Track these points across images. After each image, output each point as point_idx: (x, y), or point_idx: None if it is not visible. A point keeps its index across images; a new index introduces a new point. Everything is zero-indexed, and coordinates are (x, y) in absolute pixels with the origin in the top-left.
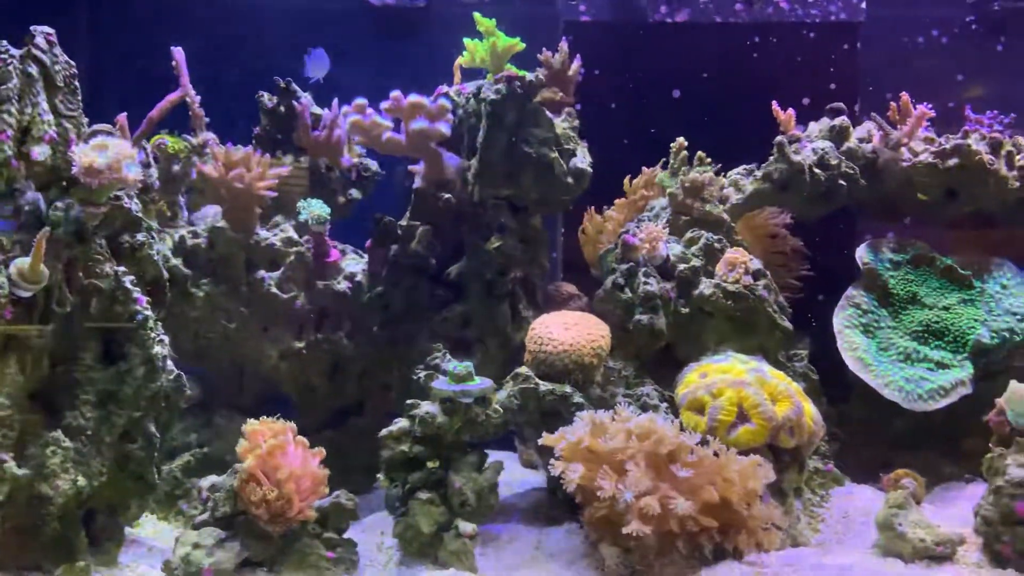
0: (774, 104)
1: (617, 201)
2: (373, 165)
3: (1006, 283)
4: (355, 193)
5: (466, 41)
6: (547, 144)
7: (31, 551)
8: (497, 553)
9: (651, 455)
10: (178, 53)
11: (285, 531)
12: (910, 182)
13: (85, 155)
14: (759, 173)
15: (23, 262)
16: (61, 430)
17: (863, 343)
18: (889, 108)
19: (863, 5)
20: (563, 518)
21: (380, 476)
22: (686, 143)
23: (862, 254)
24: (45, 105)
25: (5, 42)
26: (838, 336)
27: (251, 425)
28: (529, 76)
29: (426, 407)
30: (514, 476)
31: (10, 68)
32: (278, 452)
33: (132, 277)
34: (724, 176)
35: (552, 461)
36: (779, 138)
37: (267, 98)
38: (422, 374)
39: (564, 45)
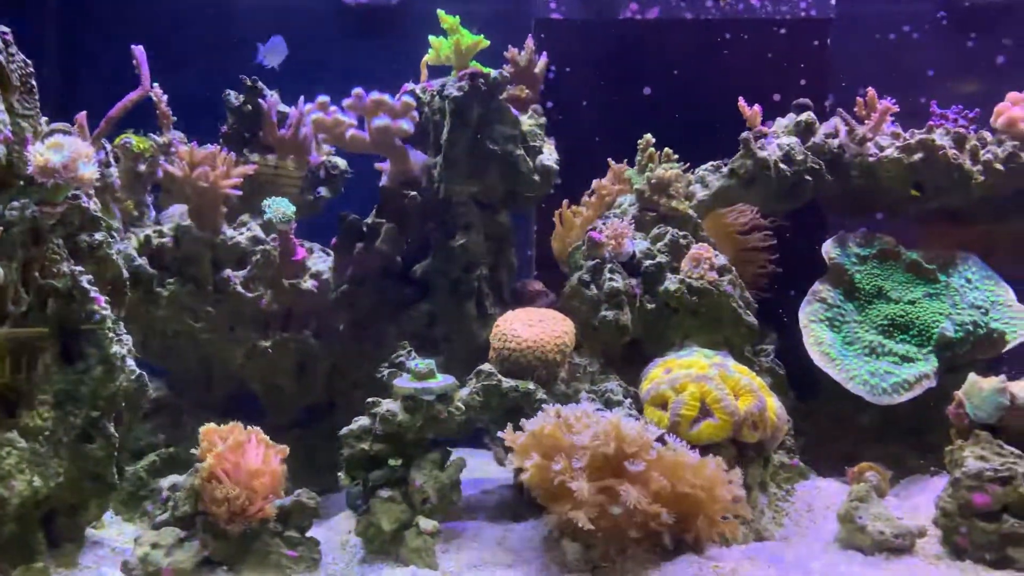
0: (740, 100)
1: (585, 199)
2: (342, 163)
3: (971, 277)
4: (323, 191)
5: (431, 39)
6: (513, 141)
7: None
8: (460, 550)
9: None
10: (138, 52)
11: (245, 530)
12: (876, 177)
13: (40, 154)
14: (726, 169)
15: None
16: (17, 431)
17: (828, 337)
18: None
19: (833, 1)
20: (529, 515)
21: (341, 475)
22: (653, 140)
23: (828, 249)
24: (1, 105)
25: None
26: (804, 331)
27: (208, 426)
28: (494, 73)
29: (387, 405)
30: (489, 473)
31: None
32: (238, 450)
33: (90, 277)
34: (693, 172)
35: (509, 456)
36: (745, 134)
37: (233, 96)
38: (386, 372)
39: (530, 42)
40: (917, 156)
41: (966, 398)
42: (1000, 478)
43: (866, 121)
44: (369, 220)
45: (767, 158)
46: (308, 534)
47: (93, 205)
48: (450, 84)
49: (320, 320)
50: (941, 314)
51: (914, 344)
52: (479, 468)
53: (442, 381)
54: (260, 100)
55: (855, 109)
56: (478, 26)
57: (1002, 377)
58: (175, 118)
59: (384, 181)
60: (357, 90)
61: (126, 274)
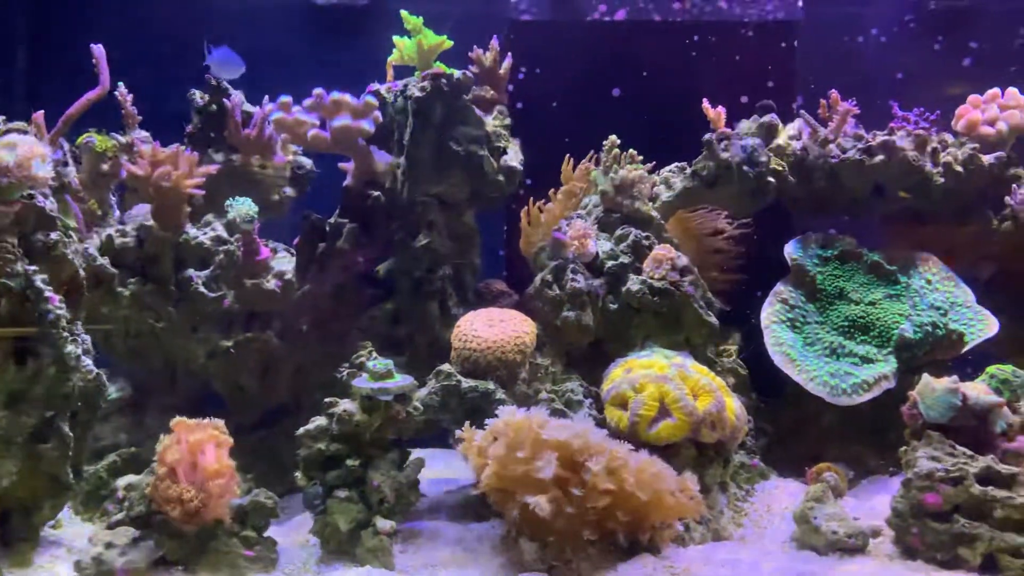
0: (704, 102)
1: (548, 205)
2: (308, 163)
3: (931, 278)
4: (289, 191)
5: (395, 39)
6: (477, 142)
7: None
8: (418, 550)
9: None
10: (98, 50)
11: (200, 529)
12: (839, 179)
13: None
14: (689, 171)
15: None
16: None
17: (789, 338)
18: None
19: (799, 3)
20: (489, 514)
21: (298, 474)
22: (619, 141)
23: (790, 250)
24: None
25: None
26: (765, 331)
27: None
28: (457, 74)
29: (344, 405)
30: (453, 473)
31: None
32: (195, 450)
33: (44, 276)
34: (658, 174)
35: (466, 461)
36: (708, 136)
37: (198, 96)
38: (345, 372)
39: (495, 43)
40: (878, 158)
41: (920, 398)
42: (951, 478)
43: (829, 123)
44: (332, 220)
45: (729, 160)
46: (268, 534)
47: (49, 204)
48: (412, 84)
49: (284, 320)
50: (901, 315)
51: (874, 345)
52: (444, 468)
53: (400, 381)
54: (225, 100)
55: (819, 111)
56: (449, 27)
57: (954, 378)
58: (140, 117)
59: (348, 181)
60: (318, 90)
61: (83, 273)
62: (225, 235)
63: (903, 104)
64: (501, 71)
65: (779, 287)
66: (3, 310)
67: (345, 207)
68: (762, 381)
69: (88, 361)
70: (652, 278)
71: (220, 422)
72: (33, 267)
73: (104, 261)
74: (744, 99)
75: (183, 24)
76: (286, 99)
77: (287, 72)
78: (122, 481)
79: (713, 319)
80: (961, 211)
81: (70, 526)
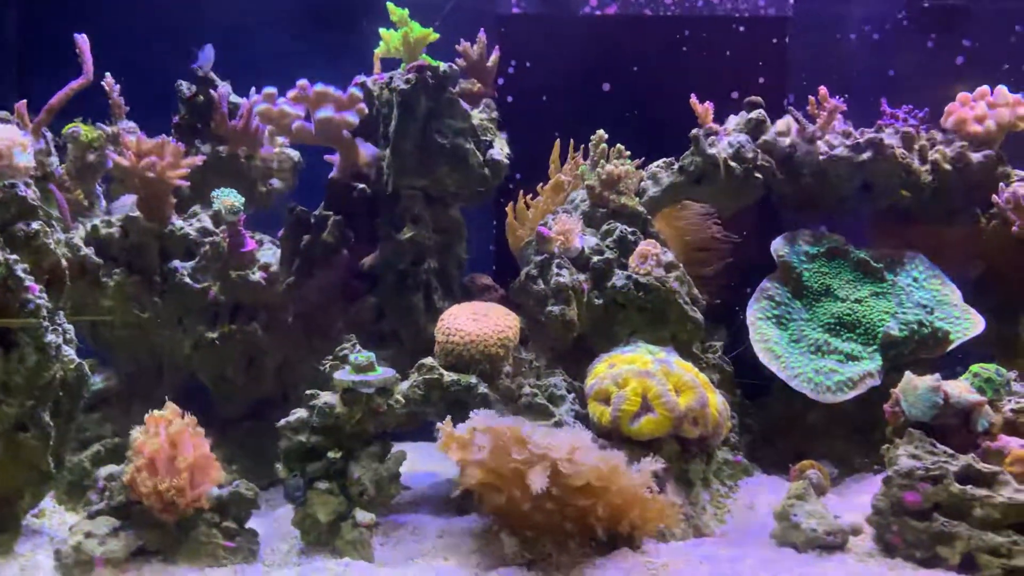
0: (692, 97)
1: (536, 200)
2: (295, 155)
3: (917, 276)
4: (276, 183)
5: (382, 31)
6: (462, 135)
7: None
8: (398, 543)
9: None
10: (82, 40)
11: (180, 520)
12: (827, 175)
13: None
14: (676, 166)
15: None
16: None
17: (775, 335)
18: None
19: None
20: (472, 508)
21: (279, 466)
22: (606, 136)
23: (777, 247)
24: None
25: None
26: (751, 328)
27: (153, 413)
28: (443, 66)
29: (325, 397)
30: (441, 467)
31: None
32: (175, 441)
33: (25, 266)
34: (646, 169)
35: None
36: (695, 131)
37: (185, 87)
38: (328, 364)
39: (482, 36)
40: (866, 155)
41: (902, 396)
42: (931, 477)
43: (817, 120)
44: (317, 212)
45: (716, 155)
46: (251, 526)
47: (31, 194)
48: (398, 77)
49: (269, 312)
50: (887, 313)
51: (860, 343)
52: (427, 462)
53: (382, 374)
54: (211, 91)
55: (807, 108)
56: (440, 19)
57: (936, 376)
58: (127, 108)
59: (333, 173)
60: (302, 81)
61: (65, 263)
62: (211, 227)
63: (895, 102)
64: (488, 64)
65: (766, 283)
66: None
67: (330, 200)
68: (748, 377)
69: (70, 351)
70: (638, 273)
71: (193, 418)
72: (14, 256)
73: (89, 251)
74: (734, 95)
75: (174, 14)
76: (271, 90)
77: (274, 62)
78: (103, 471)
79: (698, 315)
80: (949, 209)
81: (54, 516)
